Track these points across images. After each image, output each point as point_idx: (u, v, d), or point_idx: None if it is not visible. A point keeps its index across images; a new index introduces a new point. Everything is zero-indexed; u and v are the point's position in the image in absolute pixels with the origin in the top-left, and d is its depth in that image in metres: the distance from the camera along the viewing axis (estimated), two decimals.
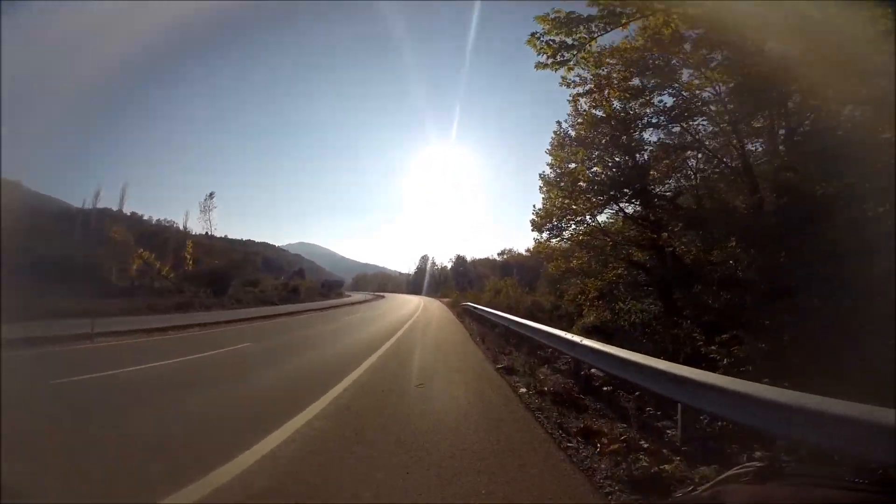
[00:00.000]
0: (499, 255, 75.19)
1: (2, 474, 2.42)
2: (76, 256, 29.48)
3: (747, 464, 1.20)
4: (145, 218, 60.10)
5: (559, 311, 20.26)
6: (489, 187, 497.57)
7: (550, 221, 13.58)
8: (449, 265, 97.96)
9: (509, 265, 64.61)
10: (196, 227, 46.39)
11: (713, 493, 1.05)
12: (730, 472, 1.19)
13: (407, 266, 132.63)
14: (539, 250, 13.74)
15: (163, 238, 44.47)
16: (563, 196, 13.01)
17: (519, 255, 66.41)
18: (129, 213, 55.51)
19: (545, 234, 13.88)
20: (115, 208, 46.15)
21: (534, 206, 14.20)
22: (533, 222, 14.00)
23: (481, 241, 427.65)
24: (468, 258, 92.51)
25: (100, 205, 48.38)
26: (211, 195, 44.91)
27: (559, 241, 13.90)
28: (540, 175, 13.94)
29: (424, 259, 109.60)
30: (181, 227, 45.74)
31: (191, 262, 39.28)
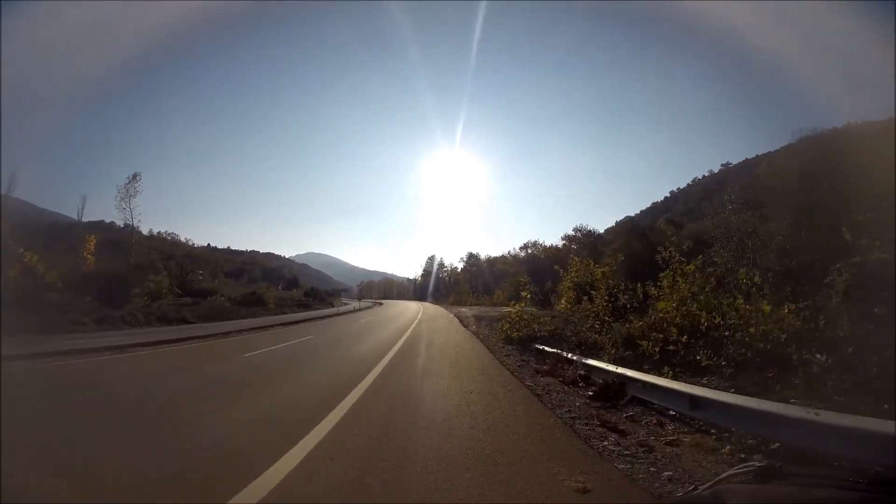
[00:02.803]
0: (521, 248, 62.21)
1: (2, 474, 2.40)
2: None
3: (747, 464, 1.10)
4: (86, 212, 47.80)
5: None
6: (497, 188, 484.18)
7: None
8: (460, 266, 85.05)
9: (538, 260, 51.74)
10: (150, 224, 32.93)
11: (713, 492, 1.02)
12: (730, 472, 1.12)
13: (414, 271, 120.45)
14: None
15: (65, 234, 32.24)
16: None
17: (550, 248, 53.49)
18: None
19: None
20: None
21: None
22: None
23: (491, 241, 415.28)
24: (482, 256, 79.61)
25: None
26: (135, 177, 31.75)
27: None
28: None
29: (431, 260, 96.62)
30: (77, 217, 32.75)
31: (93, 265, 27.24)
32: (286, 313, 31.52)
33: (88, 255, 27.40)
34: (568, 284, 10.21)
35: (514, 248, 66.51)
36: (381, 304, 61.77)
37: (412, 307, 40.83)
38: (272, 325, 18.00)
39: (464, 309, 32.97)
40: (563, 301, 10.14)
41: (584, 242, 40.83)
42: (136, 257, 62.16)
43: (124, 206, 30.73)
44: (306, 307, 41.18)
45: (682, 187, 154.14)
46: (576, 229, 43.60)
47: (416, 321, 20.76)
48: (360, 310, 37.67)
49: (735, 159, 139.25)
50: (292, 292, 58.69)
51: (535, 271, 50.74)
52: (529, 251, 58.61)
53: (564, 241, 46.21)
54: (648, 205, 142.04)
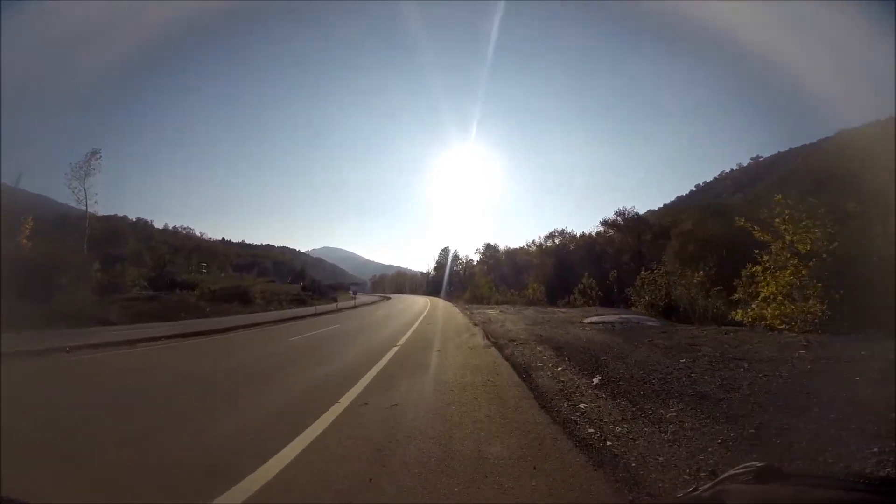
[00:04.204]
0: (547, 237, 55.45)
1: (2, 474, 2.34)
2: None
3: (747, 464, 1.08)
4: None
5: None
6: (512, 182, 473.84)
7: None
8: (476, 258, 78.80)
9: (567, 250, 45.16)
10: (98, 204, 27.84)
11: (714, 492, 1.01)
12: (730, 472, 1.10)
13: (427, 265, 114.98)
14: None
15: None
16: None
17: (582, 236, 46.72)
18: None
19: None
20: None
21: None
22: None
23: (506, 235, 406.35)
24: (500, 247, 73.16)
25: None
26: (94, 153, 26.62)
27: None
28: None
29: (445, 253, 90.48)
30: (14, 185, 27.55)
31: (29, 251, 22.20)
32: (270, 311, 26.08)
33: (24, 241, 22.33)
34: (788, 259, 4.05)
35: (539, 237, 59.75)
36: (389, 298, 57.32)
37: (418, 305, 34.49)
38: (179, 336, 11.44)
39: (492, 312, 21.35)
40: (768, 300, 3.98)
41: (627, 227, 34.13)
42: (128, 248, 57.39)
43: (76, 185, 25.61)
44: (301, 303, 35.73)
45: (708, 181, 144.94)
46: (618, 213, 36.71)
47: (421, 321, 11.73)
48: (348, 308, 31.09)
49: (763, 154, 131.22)
50: (295, 285, 54.05)
51: (564, 262, 44.18)
52: (557, 241, 51.95)
53: (602, 228, 39.45)
54: (673, 199, 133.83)
